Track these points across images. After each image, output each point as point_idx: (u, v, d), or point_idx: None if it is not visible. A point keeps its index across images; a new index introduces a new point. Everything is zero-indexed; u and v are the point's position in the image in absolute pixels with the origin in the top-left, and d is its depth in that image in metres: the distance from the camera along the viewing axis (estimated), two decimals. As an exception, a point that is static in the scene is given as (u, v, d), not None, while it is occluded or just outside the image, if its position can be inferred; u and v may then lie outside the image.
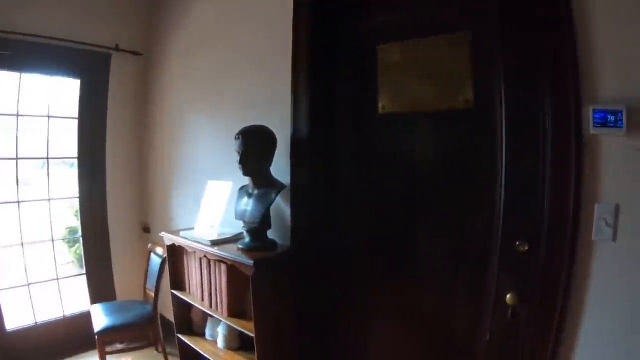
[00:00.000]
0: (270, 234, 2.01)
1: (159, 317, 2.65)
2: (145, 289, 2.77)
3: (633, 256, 1.43)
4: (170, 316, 2.52)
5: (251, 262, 1.83)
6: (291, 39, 1.99)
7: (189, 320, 2.47)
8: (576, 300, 1.49)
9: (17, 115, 2.68)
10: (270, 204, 1.91)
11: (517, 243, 1.51)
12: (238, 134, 1.93)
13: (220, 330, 2.22)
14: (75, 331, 2.84)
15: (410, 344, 1.85)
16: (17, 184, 2.72)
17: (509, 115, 1.53)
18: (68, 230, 3.31)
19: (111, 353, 2.59)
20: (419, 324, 1.81)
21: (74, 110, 2.90)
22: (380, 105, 1.84)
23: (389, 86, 1.82)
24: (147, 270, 2.77)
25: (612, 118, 1.38)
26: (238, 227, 2.09)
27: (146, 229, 3.14)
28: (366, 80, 1.88)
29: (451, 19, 1.70)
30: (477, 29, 1.63)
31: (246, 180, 2.04)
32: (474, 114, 1.64)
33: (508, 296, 1.53)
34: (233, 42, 2.40)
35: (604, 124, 1.38)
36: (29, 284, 2.77)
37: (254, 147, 1.92)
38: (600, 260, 1.46)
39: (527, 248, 1.50)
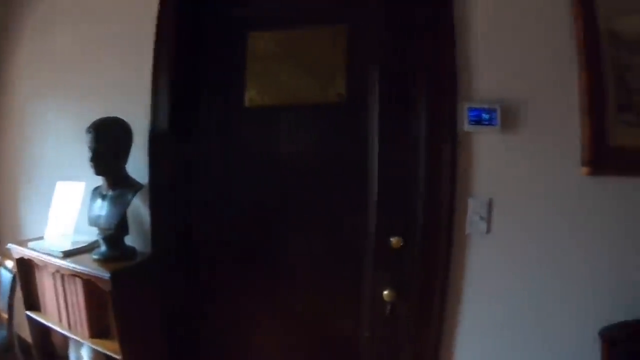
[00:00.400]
0: (129, 241, 1.75)
1: (16, 342, 2.25)
2: (-3, 310, 2.35)
3: (506, 247, 1.48)
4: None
5: (108, 275, 1.59)
6: (155, 21, 1.75)
7: (50, 344, 2.13)
8: (454, 294, 1.49)
9: None
10: (126, 207, 1.66)
11: (392, 239, 1.46)
12: (89, 127, 1.66)
13: (84, 353, 1.92)
14: None
15: (290, 346, 1.74)
16: None
17: (383, 110, 1.49)
18: None
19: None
20: (298, 325, 1.71)
21: None
22: (247, 97, 1.67)
23: (258, 77, 1.68)
24: (-3, 288, 2.35)
25: (487, 116, 1.42)
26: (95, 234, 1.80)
27: (-7, 239, 2.68)
28: (235, 70, 1.71)
29: (329, 10, 1.62)
30: (355, 22, 1.57)
31: (101, 181, 1.76)
32: (347, 108, 1.57)
33: (385, 292, 1.48)
34: (90, 21, 2.06)
35: (478, 122, 1.43)
36: None
37: (108, 142, 1.65)
38: (475, 253, 1.48)
39: (402, 244, 1.46)
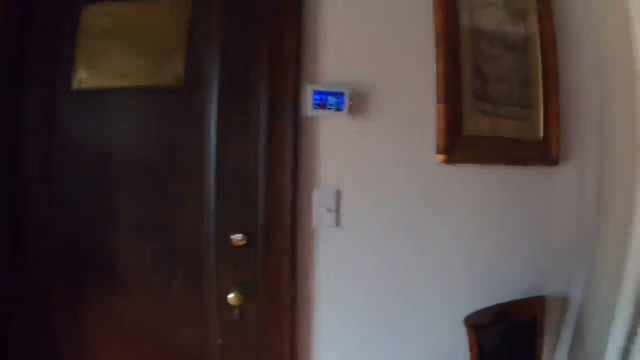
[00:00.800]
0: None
1: None
2: None
3: (358, 239, 1.42)
4: None
5: None
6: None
7: None
8: (305, 292, 1.41)
9: None
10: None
11: (233, 237, 1.34)
12: None
13: None
14: None
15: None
16: None
17: (222, 95, 1.37)
18: None
19: None
20: (142, 338, 1.52)
21: None
22: (75, 79, 1.45)
23: (89, 56, 1.46)
24: None
25: (333, 100, 1.33)
26: None
27: None
28: (65, 49, 1.48)
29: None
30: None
31: None
32: (185, 93, 1.41)
33: (230, 296, 1.36)
34: None
35: (323, 105, 1.33)
36: None
37: None
38: (325, 247, 1.40)
39: (244, 242, 1.34)
